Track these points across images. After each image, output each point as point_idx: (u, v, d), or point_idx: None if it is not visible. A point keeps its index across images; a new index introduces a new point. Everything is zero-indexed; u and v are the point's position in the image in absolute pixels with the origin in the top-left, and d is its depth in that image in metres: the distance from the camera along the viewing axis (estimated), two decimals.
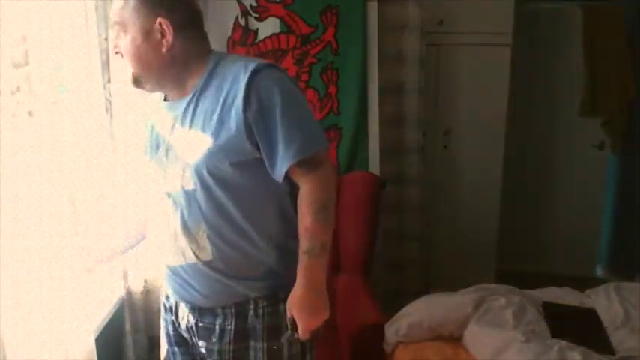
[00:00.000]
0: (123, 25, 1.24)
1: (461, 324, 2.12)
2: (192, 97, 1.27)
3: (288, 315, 1.28)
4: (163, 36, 1.24)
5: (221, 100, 1.21)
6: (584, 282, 2.64)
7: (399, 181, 2.97)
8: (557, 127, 3.56)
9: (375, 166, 2.86)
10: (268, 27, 2.75)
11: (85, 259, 1.50)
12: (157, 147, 1.32)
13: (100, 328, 1.90)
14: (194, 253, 1.29)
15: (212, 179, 1.23)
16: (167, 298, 1.46)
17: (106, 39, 1.93)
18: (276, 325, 1.32)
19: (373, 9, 2.75)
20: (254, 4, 2.72)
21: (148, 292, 2.23)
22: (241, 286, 1.31)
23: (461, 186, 3.19)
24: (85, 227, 1.91)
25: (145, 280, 2.20)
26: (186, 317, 1.38)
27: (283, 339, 1.32)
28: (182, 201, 1.27)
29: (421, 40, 2.83)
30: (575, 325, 2.17)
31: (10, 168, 1.24)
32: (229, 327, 1.33)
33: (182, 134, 1.27)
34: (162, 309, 1.50)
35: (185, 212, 1.27)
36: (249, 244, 1.29)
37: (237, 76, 1.21)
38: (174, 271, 1.35)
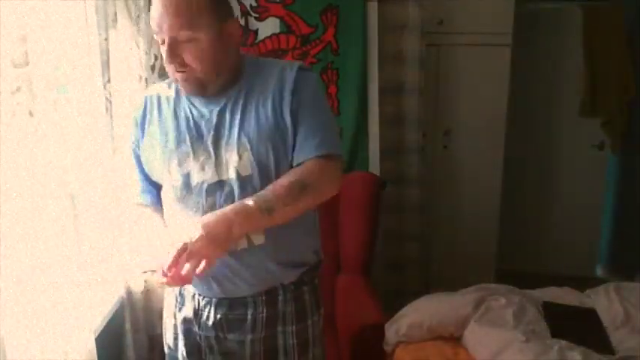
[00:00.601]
0: (194, 30, 1.22)
1: (461, 324, 2.12)
2: (240, 91, 1.33)
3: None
4: (231, 36, 1.30)
5: (270, 92, 1.31)
6: (584, 282, 2.64)
7: (399, 181, 2.97)
8: (557, 127, 3.57)
9: (375, 166, 2.86)
10: (268, 27, 2.75)
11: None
12: (199, 136, 1.33)
13: (100, 328, 1.90)
14: (248, 237, 1.30)
15: (269, 164, 1.30)
16: (181, 303, 1.44)
17: (106, 39, 1.93)
18: (303, 308, 1.41)
19: (373, 9, 2.75)
20: (254, 4, 2.72)
21: (148, 292, 2.23)
22: (283, 272, 1.37)
23: (461, 186, 3.19)
24: (85, 228, 1.91)
25: (145, 280, 2.20)
26: (212, 315, 1.39)
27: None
28: (236, 187, 1.29)
29: (421, 40, 2.83)
30: (575, 325, 2.17)
31: (10, 168, 1.24)
32: (261, 315, 1.37)
33: (235, 125, 1.31)
34: (168, 321, 1.49)
35: (242, 198, 1.28)
36: (293, 229, 1.34)
37: (283, 72, 1.34)
38: (218, 259, 1.31)
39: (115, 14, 1.93)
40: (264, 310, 1.37)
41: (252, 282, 1.35)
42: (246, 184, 1.29)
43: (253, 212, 1.21)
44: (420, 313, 2.18)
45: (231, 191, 1.30)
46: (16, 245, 1.26)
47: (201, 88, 1.30)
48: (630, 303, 2.23)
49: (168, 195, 1.38)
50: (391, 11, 2.81)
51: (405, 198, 3.00)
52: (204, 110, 1.34)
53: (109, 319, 1.99)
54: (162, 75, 2.38)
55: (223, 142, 1.31)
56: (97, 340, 1.66)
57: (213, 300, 1.39)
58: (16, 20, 1.23)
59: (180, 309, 1.45)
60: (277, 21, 2.74)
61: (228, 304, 1.38)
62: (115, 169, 2.01)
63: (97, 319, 1.90)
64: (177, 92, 1.40)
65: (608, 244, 3.61)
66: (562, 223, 3.66)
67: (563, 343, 1.95)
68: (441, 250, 3.23)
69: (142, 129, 1.42)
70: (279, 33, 2.76)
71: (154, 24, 1.25)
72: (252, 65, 1.38)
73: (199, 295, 1.41)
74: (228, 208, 1.22)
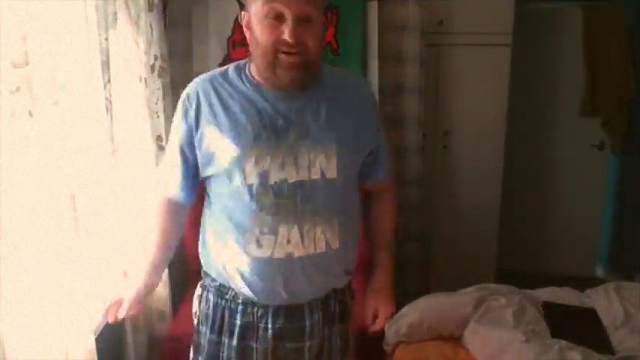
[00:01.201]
0: (315, 9, 1.19)
1: (461, 324, 2.12)
2: (320, 94, 1.30)
3: (372, 310, 1.48)
4: (325, 26, 1.30)
5: (356, 107, 1.34)
6: (584, 282, 2.64)
7: (399, 181, 2.97)
8: (557, 127, 3.57)
9: None
10: None
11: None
12: (277, 134, 1.25)
13: (100, 328, 1.90)
14: (327, 241, 1.31)
15: (350, 171, 1.33)
16: (232, 317, 1.37)
17: (106, 39, 1.93)
18: (346, 309, 1.45)
19: (373, 9, 2.75)
20: None
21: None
22: (341, 278, 1.42)
23: (461, 186, 3.19)
24: (85, 228, 1.91)
25: None
26: (270, 325, 1.36)
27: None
28: (321, 189, 1.28)
29: (421, 40, 2.83)
30: (575, 325, 2.16)
31: (10, 168, 1.24)
32: (317, 320, 1.38)
33: (322, 127, 1.28)
34: (211, 338, 1.39)
35: (323, 201, 1.29)
36: (355, 234, 1.42)
37: (361, 89, 1.42)
38: (294, 263, 1.29)
39: (115, 14, 1.93)
40: (321, 315, 1.38)
41: (318, 286, 1.36)
42: (329, 187, 1.29)
43: (390, 261, 1.54)
44: (420, 313, 2.18)
45: (313, 193, 1.27)
46: (17, 245, 1.26)
47: (302, 76, 1.23)
48: (630, 303, 2.23)
49: (233, 193, 1.29)
50: (391, 11, 2.80)
51: (405, 198, 2.99)
52: (282, 107, 1.26)
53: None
54: (162, 75, 2.38)
55: (307, 143, 1.26)
56: (97, 340, 1.66)
57: (270, 309, 1.35)
58: (16, 20, 1.23)
59: (231, 325, 1.37)
60: None
61: (285, 312, 1.35)
62: (115, 169, 2.01)
63: (97, 319, 1.90)
64: (245, 85, 1.30)
65: (608, 244, 3.61)
66: (562, 223, 3.65)
67: (563, 343, 1.95)
68: (441, 250, 3.23)
69: (197, 124, 1.30)
70: None
71: None
72: (328, 71, 1.35)
73: (253, 306, 1.35)
74: (383, 274, 1.52)
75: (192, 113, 1.30)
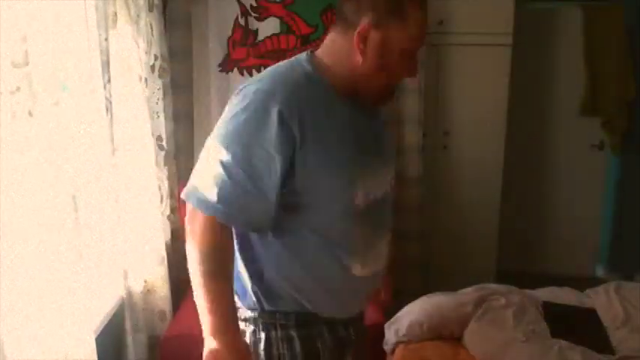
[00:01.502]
0: None
1: (461, 324, 2.12)
2: (375, 107, 1.31)
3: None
4: None
5: (382, 112, 1.35)
6: (584, 282, 2.64)
7: (399, 181, 2.97)
8: (557, 127, 3.57)
9: None
10: (268, 27, 2.75)
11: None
12: (374, 149, 1.26)
13: (100, 328, 1.90)
14: (386, 256, 1.34)
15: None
16: (319, 335, 1.29)
17: (106, 39, 1.93)
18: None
19: None
20: (254, 4, 2.72)
21: (148, 292, 2.23)
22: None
23: (461, 186, 3.19)
24: (85, 228, 1.91)
25: (145, 280, 2.21)
26: (353, 337, 1.36)
27: None
28: (389, 201, 1.32)
29: None
30: (575, 325, 2.16)
31: (10, 168, 1.24)
32: (363, 322, 1.45)
33: (390, 141, 1.37)
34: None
35: (388, 215, 1.33)
36: None
37: None
38: (378, 275, 1.32)
39: (115, 14, 1.93)
40: (363, 318, 1.45)
41: (374, 293, 1.43)
42: (391, 198, 1.33)
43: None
44: (420, 313, 2.18)
45: (388, 206, 1.32)
46: (17, 245, 1.26)
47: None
48: (630, 303, 2.23)
49: (333, 215, 1.19)
50: None
51: (405, 198, 2.99)
52: (367, 122, 1.25)
53: (109, 319, 1.99)
54: (162, 75, 2.39)
55: (384, 157, 1.30)
56: (97, 340, 1.66)
57: (349, 322, 1.34)
58: (16, 20, 1.23)
59: (329, 348, 1.30)
60: (277, 21, 2.74)
61: (357, 322, 1.39)
62: (115, 169, 2.01)
63: (97, 319, 1.90)
64: (334, 100, 1.19)
65: (608, 244, 3.60)
66: (562, 223, 3.65)
67: (563, 343, 1.95)
68: (441, 250, 3.23)
69: (302, 136, 1.11)
70: (279, 33, 2.75)
71: (417, 31, 1.19)
72: None
73: (334, 322, 1.30)
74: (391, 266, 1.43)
75: (295, 131, 1.10)
